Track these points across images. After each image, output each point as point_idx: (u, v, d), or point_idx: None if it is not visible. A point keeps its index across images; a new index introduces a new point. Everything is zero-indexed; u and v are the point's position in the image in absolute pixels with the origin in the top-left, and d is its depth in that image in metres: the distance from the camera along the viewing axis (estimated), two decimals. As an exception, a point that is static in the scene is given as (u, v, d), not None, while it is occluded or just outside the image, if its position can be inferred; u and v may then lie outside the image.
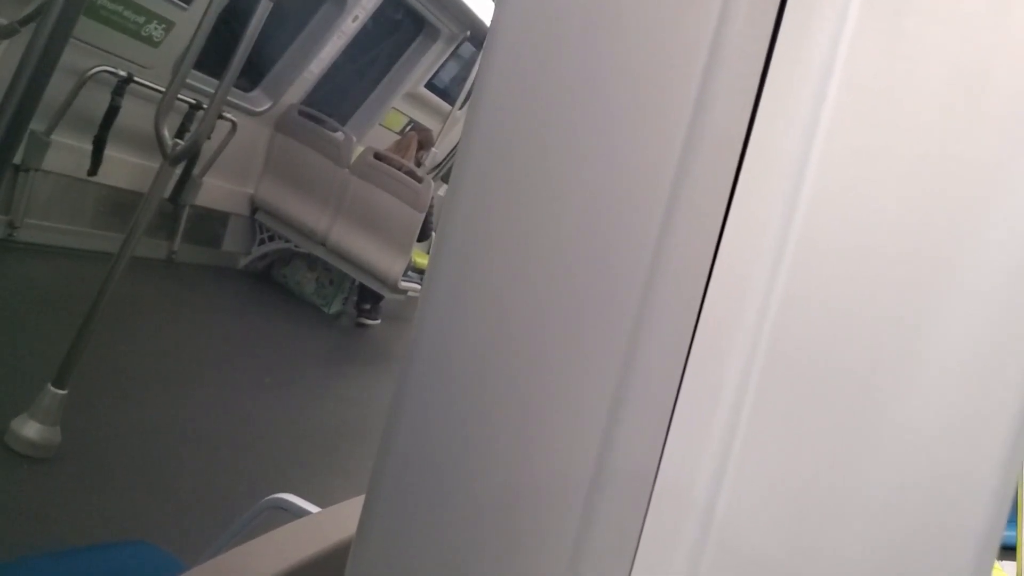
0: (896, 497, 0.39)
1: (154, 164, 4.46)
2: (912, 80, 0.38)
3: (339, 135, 5.55)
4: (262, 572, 0.66)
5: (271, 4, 2.53)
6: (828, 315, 0.39)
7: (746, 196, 0.40)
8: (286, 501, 1.30)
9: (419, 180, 5.36)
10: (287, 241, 5.61)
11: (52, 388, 2.47)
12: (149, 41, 4.11)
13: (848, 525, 0.39)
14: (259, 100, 5.31)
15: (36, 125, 3.81)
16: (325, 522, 0.80)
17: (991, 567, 0.39)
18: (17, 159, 3.79)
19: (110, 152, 4.22)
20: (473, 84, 6.44)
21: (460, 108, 6.84)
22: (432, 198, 5.43)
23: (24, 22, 3.29)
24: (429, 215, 5.43)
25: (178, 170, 4.28)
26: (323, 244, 5.47)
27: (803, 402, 0.39)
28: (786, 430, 0.39)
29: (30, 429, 2.45)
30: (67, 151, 4.08)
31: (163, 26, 4.09)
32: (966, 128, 0.38)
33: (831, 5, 0.38)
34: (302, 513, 1.24)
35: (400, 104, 6.49)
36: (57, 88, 3.71)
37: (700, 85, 0.40)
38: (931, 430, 0.39)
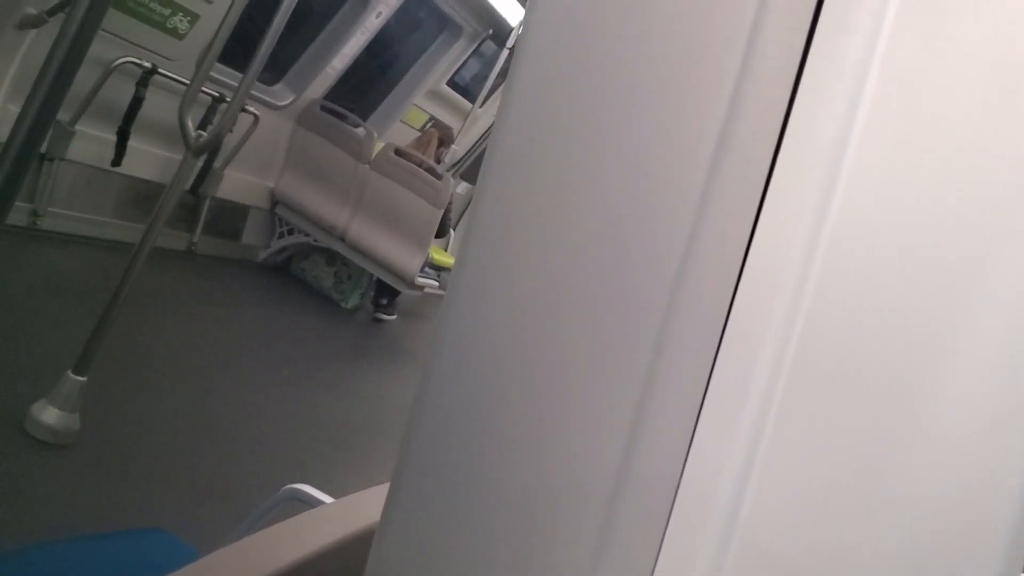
0: (923, 500, 0.38)
1: (176, 156, 4.50)
2: (949, 77, 0.37)
3: (360, 131, 5.56)
4: (278, 560, 0.66)
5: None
6: (859, 316, 0.38)
7: (779, 194, 0.39)
8: (303, 492, 1.30)
9: (439, 177, 5.37)
10: (306, 235, 5.63)
11: (72, 375, 2.49)
12: (174, 33, 4.14)
13: (873, 528, 0.39)
14: (282, 94, 5.33)
15: (61, 115, 3.83)
16: (341, 511, 0.80)
17: (1019, 571, 0.39)
18: (42, 148, 3.83)
19: (133, 143, 4.26)
20: (504, 82, 6.40)
21: (481, 106, 6.84)
22: (451, 195, 5.43)
23: (52, 12, 3.33)
24: (447, 212, 5.44)
25: (199, 162, 4.31)
26: (342, 239, 5.48)
27: (831, 404, 0.39)
28: (813, 432, 0.39)
29: (49, 415, 2.46)
30: (91, 141, 4.12)
31: (188, 19, 4.12)
32: (1003, 126, 0.37)
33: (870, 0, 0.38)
34: (319, 504, 1.24)
35: (421, 101, 6.50)
36: (82, 78, 3.74)
37: (736, 81, 0.39)
38: (960, 433, 0.38)
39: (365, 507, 0.77)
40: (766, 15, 0.39)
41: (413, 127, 6.61)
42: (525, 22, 0.46)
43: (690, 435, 0.40)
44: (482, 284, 0.46)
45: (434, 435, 0.47)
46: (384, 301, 6.02)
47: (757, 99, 0.39)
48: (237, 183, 5.26)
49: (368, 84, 6.34)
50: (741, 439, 0.39)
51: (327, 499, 1.28)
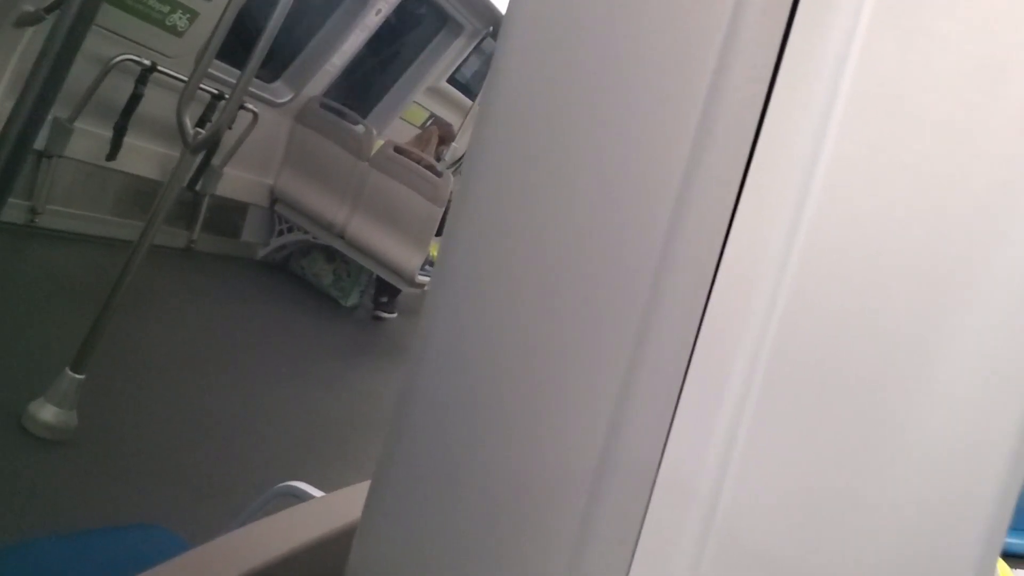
0: (900, 494, 0.39)
1: (174, 153, 4.50)
2: (927, 75, 0.37)
3: (359, 128, 5.56)
4: (264, 553, 0.66)
5: (294, -5, 2.55)
6: (836, 313, 0.38)
7: (755, 191, 0.39)
8: (297, 488, 1.30)
9: (438, 174, 5.36)
10: (305, 233, 5.63)
11: (70, 372, 2.49)
12: (173, 30, 4.14)
13: (851, 520, 0.39)
14: (281, 91, 5.33)
15: (60, 112, 3.85)
16: (330, 505, 0.80)
17: (995, 564, 0.39)
18: (40, 145, 3.83)
19: (131, 140, 4.26)
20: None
21: (481, 103, 6.84)
22: (451, 192, 5.43)
23: (49, 9, 3.33)
24: (447, 209, 5.44)
25: (198, 160, 4.31)
26: (341, 236, 5.48)
27: (808, 398, 0.39)
28: (790, 426, 0.39)
29: (47, 412, 2.47)
30: (90, 138, 4.12)
31: (187, 16, 4.12)
32: (982, 125, 0.37)
33: None
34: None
35: (421, 98, 6.50)
36: (81, 76, 3.74)
37: (712, 79, 0.39)
38: (936, 429, 0.38)
39: (352, 502, 0.77)
40: (742, 13, 0.39)
41: (413, 124, 6.60)
42: (505, 20, 0.46)
43: (667, 429, 0.40)
44: (463, 281, 0.46)
45: (414, 430, 0.47)
46: (384, 299, 6.02)
47: (733, 97, 0.39)
48: (236, 181, 5.26)
49: (368, 81, 6.34)
50: (719, 433, 0.39)
51: (320, 495, 1.28)
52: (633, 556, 0.41)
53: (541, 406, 0.43)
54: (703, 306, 0.40)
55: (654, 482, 0.41)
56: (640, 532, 0.41)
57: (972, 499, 0.38)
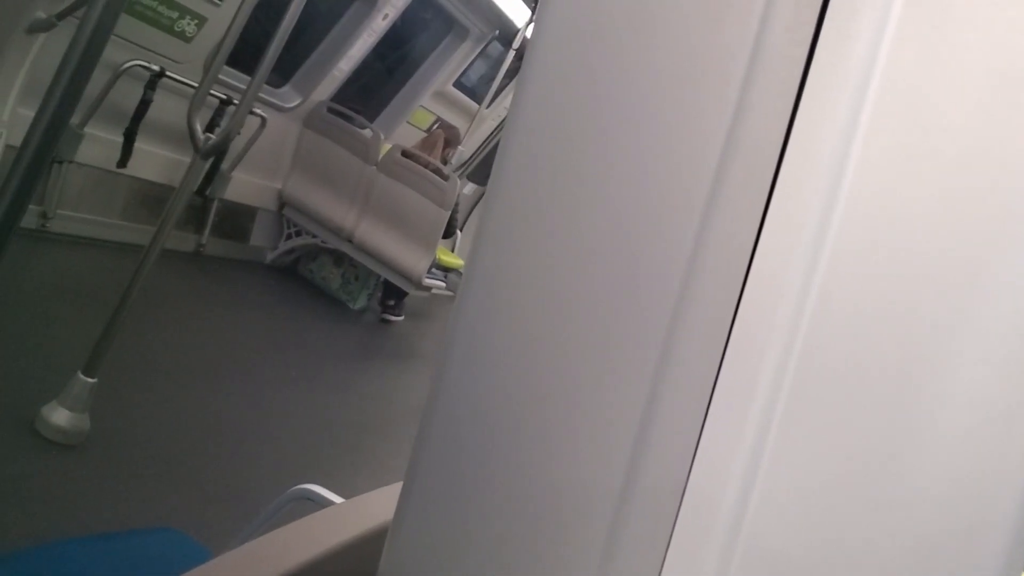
0: (926, 500, 0.39)
1: (183, 158, 4.52)
2: (951, 84, 0.38)
3: (367, 132, 5.57)
4: (291, 560, 0.67)
5: (304, 1, 2.55)
6: (863, 319, 0.39)
7: (784, 199, 0.40)
8: (312, 492, 1.31)
9: (445, 178, 5.37)
10: (314, 237, 5.64)
11: (82, 376, 2.50)
12: (182, 36, 4.16)
13: (877, 529, 0.39)
14: (289, 96, 5.35)
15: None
16: (352, 511, 0.80)
17: (1021, 566, 0.39)
18: (53, 151, 3.85)
19: (141, 145, 4.28)
20: (510, 83, 6.41)
21: (487, 107, 6.85)
22: (458, 196, 5.43)
23: (61, 16, 3.35)
24: (454, 212, 5.44)
25: (207, 164, 4.32)
26: (349, 240, 5.50)
27: (835, 407, 0.39)
28: (818, 436, 0.39)
29: (60, 416, 2.48)
30: (100, 144, 4.14)
31: (196, 22, 4.13)
32: (1005, 132, 0.38)
33: (872, 9, 0.38)
34: (328, 504, 1.25)
35: (428, 102, 6.51)
36: (91, 82, 3.76)
37: (741, 87, 0.40)
38: (964, 433, 0.38)
39: (376, 507, 0.78)
40: (770, 24, 0.40)
41: (420, 128, 6.61)
42: (535, 28, 0.47)
43: (696, 438, 0.41)
44: (492, 287, 0.46)
45: (446, 436, 0.47)
46: (391, 302, 6.03)
47: (761, 106, 0.40)
48: (245, 185, 5.28)
49: (375, 86, 6.35)
50: (746, 442, 0.40)
51: (336, 499, 1.28)
52: (663, 565, 0.41)
53: (570, 415, 0.44)
54: (732, 316, 0.40)
55: (683, 492, 0.41)
56: (669, 542, 0.41)
57: (1000, 496, 0.38)
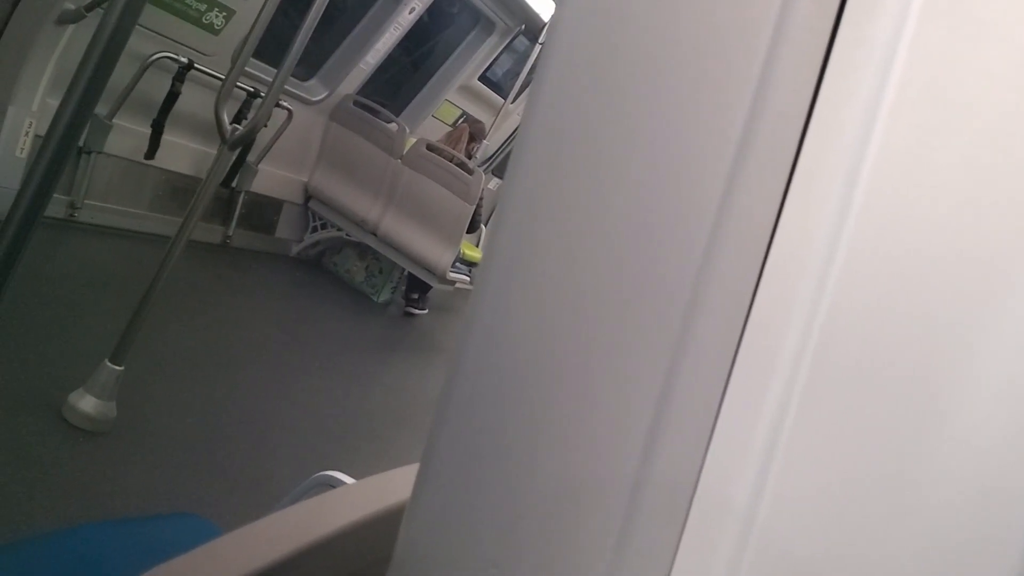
0: (944, 503, 0.38)
1: (210, 150, 4.56)
2: (979, 62, 0.37)
3: (392, 126, 5.59)
4: (303, 536, 0.67)
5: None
6: (882, 312, 0.38)
7: (804, 183, 0.39)
8: (334, 478, 1.31)
9: (470, 172, 5.38)
10: (339, 230, 5.67)
11: (109, 364, 2.53)
12: (210, 29, 4.19)
13: (893, 531, 0.38)
14: (315, 89, 5.38)
15: (98, 108, 3.91)
16: (366, 491, 0.81)
17: None
18: (79, 141, 3.89)
19: (168, 137, 4.32)
20: (533, 73, 6.39)
21: (512, 102, 6.84)
22: (482, 190, 5.44)
23: (90, 7, 3.39)
24: (479, 207, 5.45)
25: (234, 156, 4.36)
26: (374, 234, 5.52)
27: (851, 405, 0.38)
28: (833, 433, 0.38)
29: (87, 403, 2.52)
30: (128, 135, 4.18)
31: (224, 14, 4.17)
32: None
33: None
34: (350, 490, 1.25)
35: (453, 96, 6.52)
36: (120, 73, 3.80)
37: (762, 68, 0.39)
38: (983, 436, 0.37)
39: (390, 487, 0.78)
40: (793, 2, 0.39)
41: (445, 122, 6.63)
42: (553, 19, 0.46)
43: (709, 434, 0.40)
44: (508, 278, 0.46)
45: (461, 419, 0.47)
46: (415, 295, 6.05)
47: (784, 86, 0.39)
48: (271, 178, 5.32)
49: (401, 79, 6.37)
50: (759, 439, 0.39)
51: None
52: (674, 562, 0.41)
53: (584, 406, 0.43)
54: (747, 310, 0.40)
55: (695, 489, 0.40)
56: (680, 539, 0.41)
57: (1018, 510, 0.37)
